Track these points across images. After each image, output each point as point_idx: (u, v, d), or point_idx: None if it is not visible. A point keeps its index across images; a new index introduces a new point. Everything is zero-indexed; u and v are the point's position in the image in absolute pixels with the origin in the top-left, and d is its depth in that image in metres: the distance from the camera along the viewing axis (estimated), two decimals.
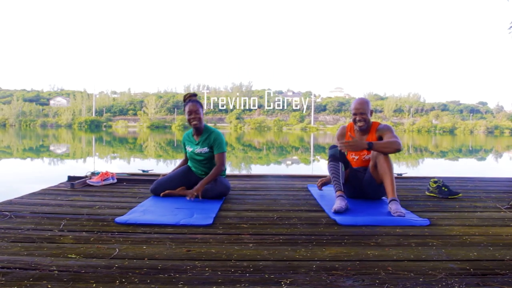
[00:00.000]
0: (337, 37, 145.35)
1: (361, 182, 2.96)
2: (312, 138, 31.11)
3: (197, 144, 3.18)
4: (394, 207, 2.52)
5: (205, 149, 3.14)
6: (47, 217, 2.37)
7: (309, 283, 1.45)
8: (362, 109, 2.85)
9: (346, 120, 59.18)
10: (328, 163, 2.79)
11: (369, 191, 2.96)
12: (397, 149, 2.60)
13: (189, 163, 3.32)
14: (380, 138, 2.85)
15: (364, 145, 2.62)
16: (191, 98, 3.16)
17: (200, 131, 3.18)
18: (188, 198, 2.90)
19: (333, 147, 2.83)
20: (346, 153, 2.99)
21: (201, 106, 3.15)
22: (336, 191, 2.71)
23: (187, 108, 3.12)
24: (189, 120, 3.13)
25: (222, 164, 3.11)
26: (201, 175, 3.22)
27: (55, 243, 1.88)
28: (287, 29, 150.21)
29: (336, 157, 2.77)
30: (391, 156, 2.73)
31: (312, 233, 2.12)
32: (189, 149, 3.25)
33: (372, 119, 2.95)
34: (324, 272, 1.55)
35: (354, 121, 2.91)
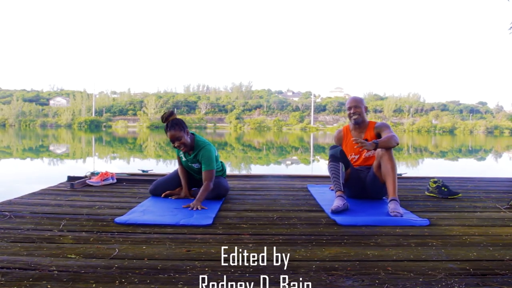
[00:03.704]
0: (337, 37, 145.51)
1: (363, 181, 2.97)
2: (312, 138, 31.08)
3: (188, 159, 3.08)
4: (393, 207, 2.53)
5: (197, 165, 3.04)
6: (47, 217, 2.37)
7: (309, 283, 1.44)
8: (356, 104, 3.02)
9: (346, 120, 59.05)
10: (328, 163, 2.80)
11: (371, 190, 2.96)
12: (396, 143, 2.77)
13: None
14: (378, 135, 2.95)
15: (372, 145, 2.67)
16: (168, 124, 2.92)
17: (192, 148, 3.02)
18: (190, 209, 2.67)
19: (334, 147, 2.84)
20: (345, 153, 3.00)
21: (181, 127, 2.93)
22: (335, 191, 2.71)
23: (168, 136, 2.94)
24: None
25: (210, 181, 2.88)
26: (200, 179, 3.19)
27: (54, 243, 1.88)
28: (287, 29, 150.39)
29: (337, 157, 2.77)
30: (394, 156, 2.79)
31: (311, 233, 2.12)
32: (184, 158, 3.12)
33: (372, 119, 2.99)
34: (323, 272, 1.55)
35: (350, 116, 3.05)
